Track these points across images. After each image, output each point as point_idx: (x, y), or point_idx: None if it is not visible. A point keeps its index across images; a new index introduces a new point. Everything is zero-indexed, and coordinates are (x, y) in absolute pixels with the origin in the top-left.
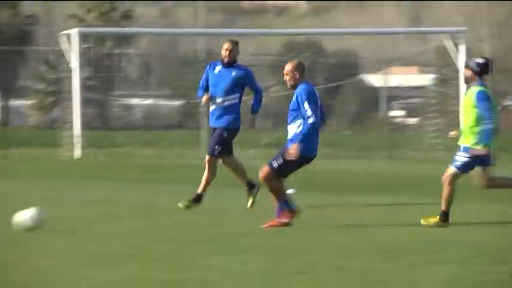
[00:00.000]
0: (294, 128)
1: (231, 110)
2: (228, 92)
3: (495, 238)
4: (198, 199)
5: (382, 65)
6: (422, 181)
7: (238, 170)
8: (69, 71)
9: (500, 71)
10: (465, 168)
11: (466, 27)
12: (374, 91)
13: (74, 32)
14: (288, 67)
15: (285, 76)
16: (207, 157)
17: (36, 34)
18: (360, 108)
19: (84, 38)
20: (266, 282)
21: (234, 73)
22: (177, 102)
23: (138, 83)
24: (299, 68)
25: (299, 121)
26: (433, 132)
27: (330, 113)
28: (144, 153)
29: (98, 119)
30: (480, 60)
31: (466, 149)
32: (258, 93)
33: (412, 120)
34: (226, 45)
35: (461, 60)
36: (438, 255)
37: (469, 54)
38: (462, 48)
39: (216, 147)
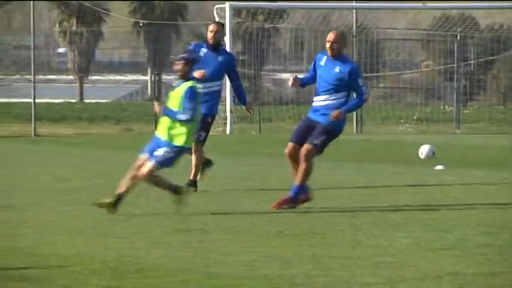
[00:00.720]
0: (329, 98)
1: (215, 96)
2: (214, 77)
3: None
4: (192, 185)
5: None
6: None
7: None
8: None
9: None
10: None
11: None
12: None
13: (226, 6)
14: (336, 36)
15: (332, 44)
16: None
17: (189, 8)
18: None
19: (236, 12)
20: (413, 258)
21: (220, 58)
22: None
23: (289, 58)
24: (345, 39)
25: (340, 93)
26: None
27: (482, 88)
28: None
29: (249, 94)
30: None
31: None
32: (238, 79)
33: None
34: (211, 27)
35: None
36: None
37: None
38: None
39: (202, 134)
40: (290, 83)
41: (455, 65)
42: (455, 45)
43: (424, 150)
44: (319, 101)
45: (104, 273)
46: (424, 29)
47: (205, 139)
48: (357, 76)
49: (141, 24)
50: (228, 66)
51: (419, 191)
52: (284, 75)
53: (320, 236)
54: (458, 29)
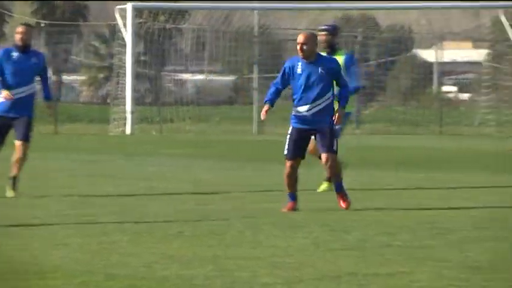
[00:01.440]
0: (317, 104)
1: (33, 97)
2: (30, 80)
3: None
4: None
5: (436, 40)
6: (473, 156)
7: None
8: (122, 46)
9: None
10: None
11: None
12: (427, 66)
13: (128, 7)
14: (305, 38)
15: (302, 46)
16: (20, 142)
17: (90, 9)
18: (413, 83)
19: (137, 12)
20: (312, 259)
21: (32, 60)
22: (229, 78)
23: (191, 58)
24: (316, 39)
25: (328, 94)
26: (485, 108)
27: (382, 88)
28: (194, 129)
29: (150, 95)
30: None
31: None
32: (47, 78)
33: (464, 96)
34: (19, 29)
35: None
36: (488, 231)
37: None
38: None
39: (30, 134)
40: (263, 117)
41: None
42: (356, 46)
43: None
44: (308, 110)
45: (3, 274)
46: None
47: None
48: (340, 70)
49: (42, 25)
50: (41, 66)
51: (317, 192)
52: (185, 76)
53: (220, 236)
54: (359, 29)
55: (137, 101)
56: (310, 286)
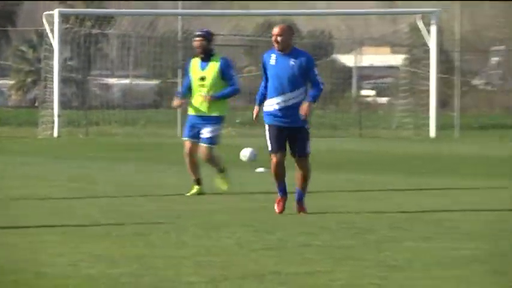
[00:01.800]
0: (290, 98)
1: None
2: None
3: (464, 216)
4: None
5: (355, 45)
6: (391, 159)
7: None
8: (50, 51)
9: (470, 51)
10: None
11: (438, 7)
12: (346, 71)
13: (55, 13)
14: (281, 29)
15: (277, 37)
16: None
17: (18, 14)
18: (332, 87)
19: (64, 18)
20: (236, 258)
21: None
22: (154, 82)
23: (116, 63)
24: (292, 32)
25: (301, 89)
26: (402, 111)
27: None
28: (120, 132)
29: (77, 99)
30: None
31: None
32: None
33: (383, 100)
34: None
35: (432, 40)
36: (406, 231)
37: (440, 34)
38: (433, 28)
39: None
40: (255, 120)
41: None
42: None
43: (246, 153)
44: (279, 103)
45: None
46: (247, 35)
47: None
48: (313, 66)
49: None
50: None
51: (242, 192)
52: (111, 80)
53: (145, 237)
54: None
55: (64, 104)
56: (235, 285)
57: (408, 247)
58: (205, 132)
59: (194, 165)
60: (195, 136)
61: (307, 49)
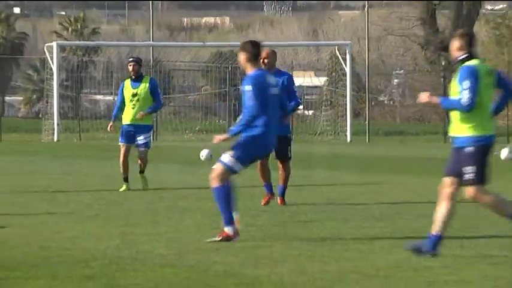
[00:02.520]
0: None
1: None
2: None
3: (373, 201)
4: None
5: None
6: (317, 157)
7: None
8: (50, 74)
9: (376, 74)
10: None
11: (350, 41)
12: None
13: (54, 45)
14: (267, 53)
15: (264, 60)
16: None
17: (25, 46)
18: None
19: (61, 49)
20: (195, 236)
21: None
22: None
23: (102, 83)
24: (275, 55)
25: None
26: (325, 121)
27: None
28: (106, 137)
29: (72, 111)
30: None
31: None
32: None
33: (309, 112)
34: None
35: (348, 65)
36: (328, 213)
37: (353, 61)
38: (348, 56)
39: None
40: None
41: (227, 89)
42: (227, 74)
43: (204, 154)
44: None
45: None
46: (204, 62)
47: None
48: (293, 83)
49: None
50: None
51: (202, 185)
52: (98, 97)
53: (126, 218)
54: (230, 62)
55: (62, 115)
56: (197, 256)
57: (331, 226)
58: (142, 139)
59: (126, 166)
60: (130, 141)
61: None
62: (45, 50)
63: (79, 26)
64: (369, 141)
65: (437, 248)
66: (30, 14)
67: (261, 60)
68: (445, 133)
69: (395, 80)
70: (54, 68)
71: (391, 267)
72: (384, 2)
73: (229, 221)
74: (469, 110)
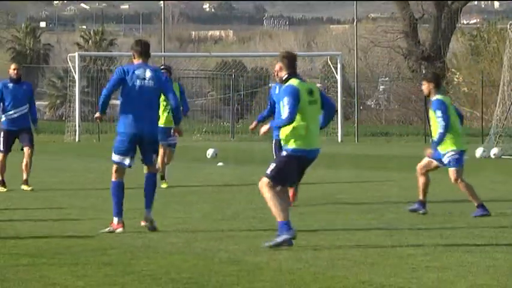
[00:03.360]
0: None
1: (27, 115)
2: (24, 102)
3: (358, 194)
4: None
5: None
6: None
7: None
8: (73, 81)
9: (364, 81)
10: None
11: (341, 51)
12: None
13: (76, 55)
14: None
15: (277, 72)
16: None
17: (50, 56)
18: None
19: (82, 59)
20: (202, 225)
21: (24, 87)
22: None
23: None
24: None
25: None
26: None
27: (249, 110)
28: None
29: (91, 114)
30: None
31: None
32: (34, 103)
33: None
34: (13, 66)
35: (339, 73)
36: (316, 206)
37: (344, 69)
38: (339, 65)
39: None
40: (252, 128)
41: (231, 95)
42: (231, 81)
43: (210, 152)
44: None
45: None
46: (210, 70)
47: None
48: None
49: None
50: (30, 93)
51: (206, 180)
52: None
53: (140, 211)
54: (233, 70)
55: (83, 118)
56: (203, 244)
57: (323, 218)
58: (172, 138)
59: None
60: (164, 140)
61: (251, 81)
62: (68, 59)
63: (98, 39)
64: (357, 142)
65: None
66: (55, 28)
67: (275, 73)
68: (426, 134)
69: (381, 87)
70: (76, 76)
71: (378, 255)
72: (371, 16)
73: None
74: (290, 122)
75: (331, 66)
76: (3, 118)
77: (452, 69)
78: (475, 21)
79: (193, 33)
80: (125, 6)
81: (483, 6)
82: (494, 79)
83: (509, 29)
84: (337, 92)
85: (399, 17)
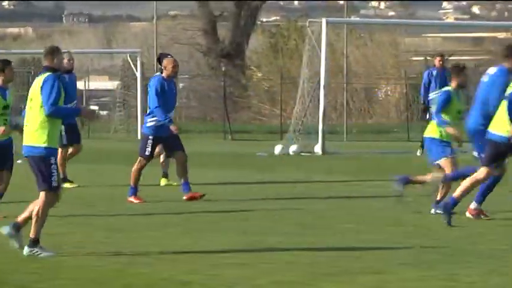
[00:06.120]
0: None
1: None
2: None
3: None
4: None
5: (84, 74)
6: (113, 154)
7: None
8: None
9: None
10: None
11: (141, 49)
12: (81, 92)
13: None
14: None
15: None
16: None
17: None
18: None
19: None
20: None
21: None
22: None
23: None
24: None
25: None
26: (118, 121)
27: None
28: None
29: None
30: None
31: None
32: None
33: (104, 113)
34: (66, 56)
35: (139, 71)
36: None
37: (143, 66)
38: (139, 62)
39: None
40: None
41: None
42: (29, 78)
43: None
44: None
45: None
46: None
47: None
48: None
49: None
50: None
51: None
52: None
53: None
54: (33, 67)
55: None
56: (5, 240)
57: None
58: None
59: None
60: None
61: None
62: None
63: None
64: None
65: None
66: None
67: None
68: (225, 131)
69: (181, 84)
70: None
71: (179, 253)
72: (171, 13)
73: None
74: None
75: (131, 63)
76: None
77: (252, 67)
78: (274, 18)
79: None
80: None
81: (282, 4)
82: (293, 76)
83: (308, 26)
84: (136, 88)
85: (198, 14)
